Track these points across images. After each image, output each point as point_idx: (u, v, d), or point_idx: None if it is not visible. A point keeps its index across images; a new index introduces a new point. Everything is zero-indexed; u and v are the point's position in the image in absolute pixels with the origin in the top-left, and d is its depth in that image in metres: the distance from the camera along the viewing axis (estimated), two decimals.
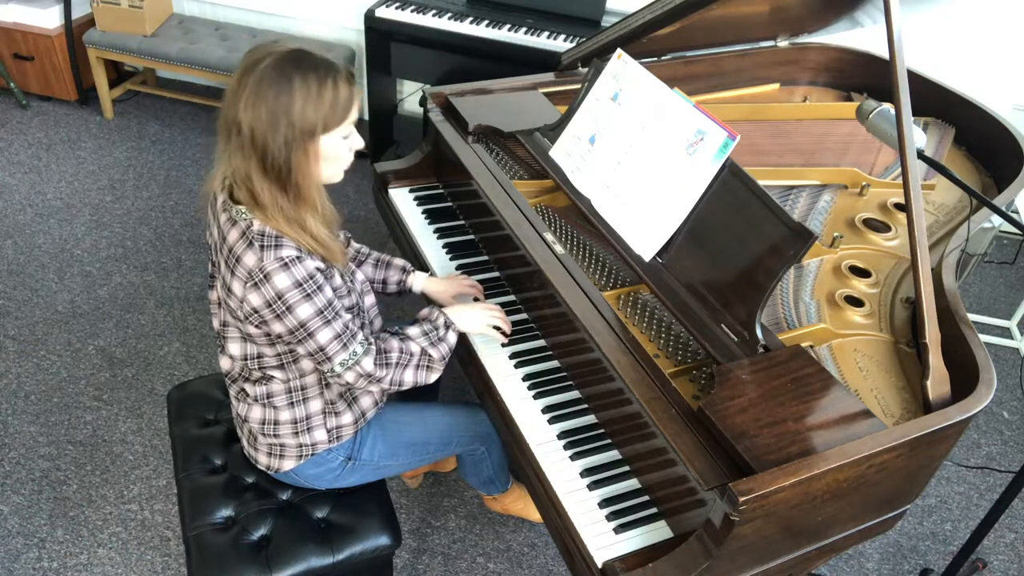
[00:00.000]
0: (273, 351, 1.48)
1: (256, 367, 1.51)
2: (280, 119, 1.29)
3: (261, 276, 1.34)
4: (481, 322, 1.66)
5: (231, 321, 1.47)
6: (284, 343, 1.44)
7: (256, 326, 1.41)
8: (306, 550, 1.58)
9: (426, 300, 1.84)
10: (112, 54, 3.63)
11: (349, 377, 1.47)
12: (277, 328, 1.39)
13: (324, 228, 1.43)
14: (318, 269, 1.39)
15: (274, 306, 1.35)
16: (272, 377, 1.52)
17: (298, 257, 1.36)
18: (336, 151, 1.39)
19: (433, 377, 1.58)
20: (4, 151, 3.55)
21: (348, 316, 1.46)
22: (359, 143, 1.44)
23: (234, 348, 1.51)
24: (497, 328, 1.68)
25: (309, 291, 1.37)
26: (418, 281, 1.82)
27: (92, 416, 2.43)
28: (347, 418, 1.60)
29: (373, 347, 1.49)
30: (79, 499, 2.21)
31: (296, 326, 1.38)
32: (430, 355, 1.56)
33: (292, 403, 1.55)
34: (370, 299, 1.64)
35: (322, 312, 1.39)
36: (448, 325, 1.61)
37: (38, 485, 2.23)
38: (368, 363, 1.47)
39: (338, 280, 1.48)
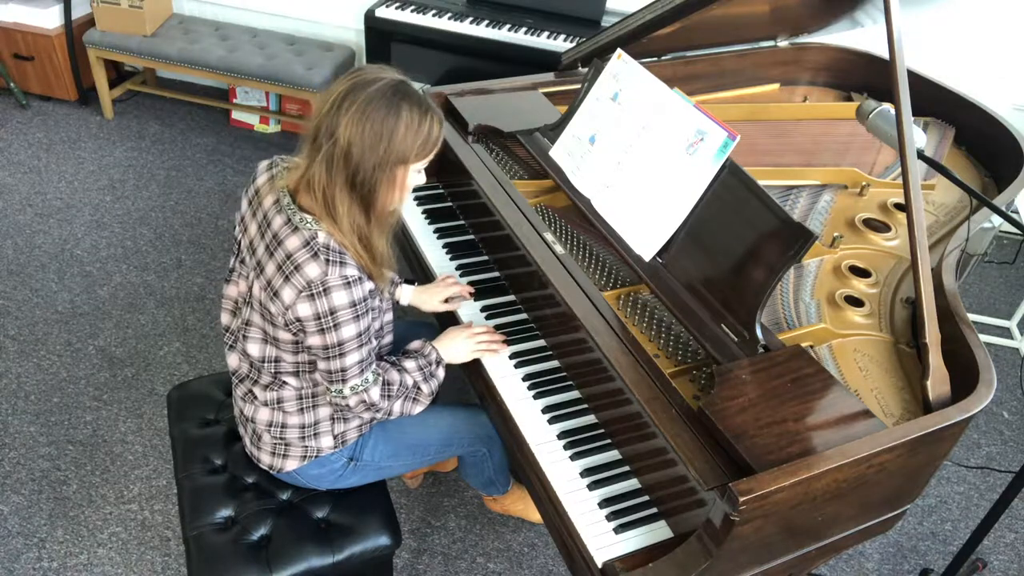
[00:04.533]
0: (293, 358, 1.49)
1: (271, 371, 1.52)
2: (382, 141, 1.33)
3: (321, 289, 1.34)
4: (467, 351, 1.68)
5: (258, 322, 1.48)
6: (310, 354, 1.45)
7: (293, 333, 1.42)
8: (306, 550, 1.58)
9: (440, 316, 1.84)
10: (112, 54, 3.62)
11: (352, 401, 1.49)
12: (313, 341, 1.40)
13: (388, 248, 1.47)
14: (370, 291, 1.42)
15: (323, 320, 1.36)
16: (285, 383, 1.53)
17: (360, 278, 1.38)
18: (408, 182, 1.44)
19: (417, 410, 1.61)
20: (4, 151, 3.55)
21: (374, 343, 1.49)
22: (422, 180, 1.48)
23: (253, 348, 1.51)
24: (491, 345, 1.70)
25: (359, 313, 1.39)
26: (405, 294, 1.83)
27: (92, 416, 2.43)
28: (353, 424, 1.61)
29: (381, 378, 1.52)
30: (79, 499, 2.21)
31: (334, 344, 1.39)
32: (420, 389, 1.60)
33: (302, 409, 1.55)
34: (389, 316, 1.67)
35: (360, 336, 1.41)
36: (439, 361, 1.64)
37: (38, 485, 2.23)
38: (375, 393, 1.50)
39: (376, 301, 1.50)
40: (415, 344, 1.67)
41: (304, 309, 1.36)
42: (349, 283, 1.36)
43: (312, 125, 1.38)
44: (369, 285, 1.42)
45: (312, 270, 1.35)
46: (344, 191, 1.36)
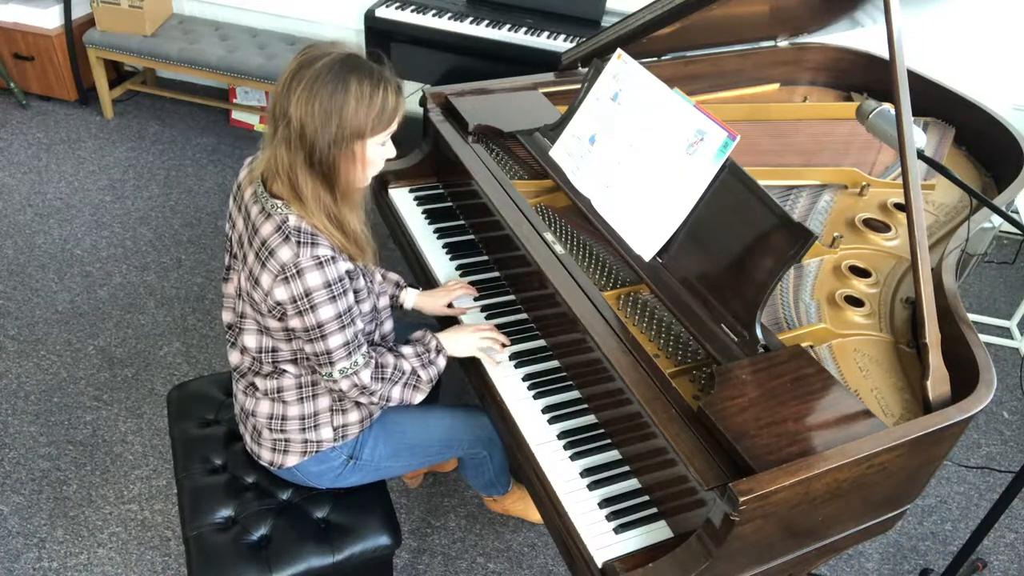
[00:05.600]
0: (289, 346, 1.49)
1: (270, 360, 1.52)
2: (332, 117, 1.32)
3: (294, 271, 1.35)
4: (471, 346, 1.67)
5: (250, 313, 1.48)
6: (295, 336, 1.46)
7: (278, 319, 1.42)
8: (306, 550, 1.58)
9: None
10: (112, 54, 3.63)
11: (344, 385, 1.48)
12: (294, 324, 1.40)
13: (362, 226, 1.46)
14: (347, 272, 1.41)
15: (299, 302, 1.37)
16: (284, 371, 1.53)
17: (332, 257, 1.38)
18: (372, 156, 1.42)
19: (418, 398, 1.60)
20: (4, 151, 3.55)
21: (360, 325, 1.48)
22: (391, 153, 1.46)
23: (250, 340, 1.51)
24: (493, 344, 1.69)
25: (335, 293, 1.38)
26: (409, 298, 1.83)
27: (92, 416, 2.43)
28: (353, 416, 1.61)
29: (373, 360, 1.51)
30: (79, 499, 2.21)
31: (314, 325, 1.39)
32: (419, 376, 1.58)
33: (302, 399, 1.56)
34: (384, 301, 1.66)
35: (340, 317, 1.40)
36: (439, 350, 1.63)
37: (38, 485, 2.23)
38: (366, 375, 1.49)
39: (361, 282, 1.49)
40: (417, 333, 1.67)
41: (281, 293, 1.36)
42: (321, 263, 1.36)
43: (270, 107, 1.38)
44: (346, 265, 1.41)
45: (284, 253, 1.35)
46: (305, 171, 1.36)
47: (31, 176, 3.41)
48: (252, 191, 1.44)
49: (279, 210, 1.39)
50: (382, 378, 1.52)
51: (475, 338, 1.67)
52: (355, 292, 1.46)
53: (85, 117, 3.84)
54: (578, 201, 1.74)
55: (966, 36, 3.14)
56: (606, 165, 1.71)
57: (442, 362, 1.63)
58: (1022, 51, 3.16)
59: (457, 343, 1.66)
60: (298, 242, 1.36)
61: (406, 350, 1.60)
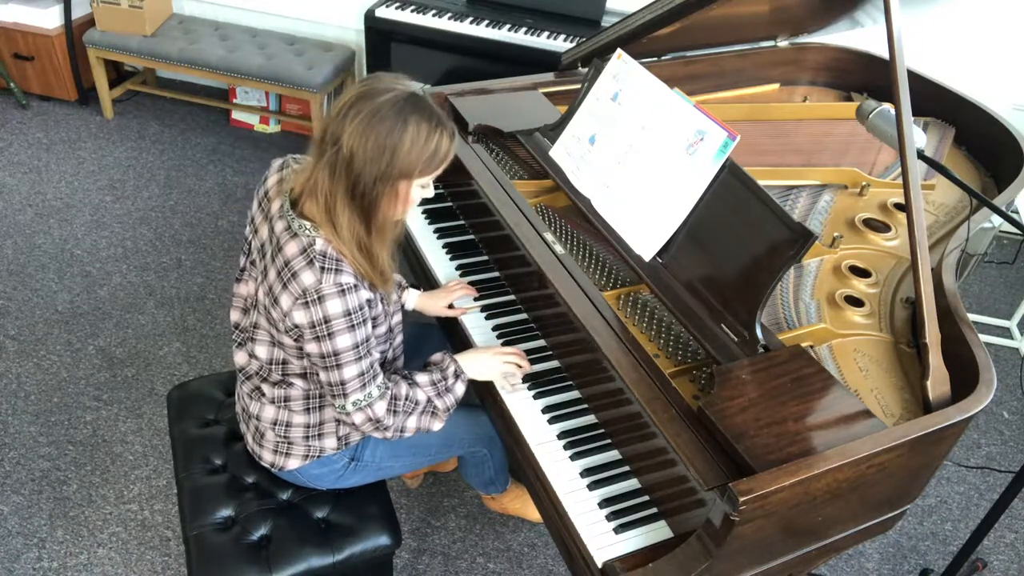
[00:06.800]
0: (299, 362, 1.48)
1: (279, 372, 1.51)
2: (385, 154, 1.31)
3: (315, 297, 1.33)
4: (493, 370, 1.63)
5: (264, 325, 1.47)
6: (310, 362, 1.44)
7: (294, 340, 1.41)
8: (306, 550, 1.58)
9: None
10: (112, 54, 3.63)
11: (357, 418, 1.45)
12: (310, 348, 1.39)
13: (390, 259, 1.45)
14: (368, 300, 1.40)
15: (317, 328, 1.35)
16: (292, 383, 1.52)
17: (355, 285, 1.36)
18: (413, 196, 1.41)
19: (437, 425, 1.56)
20: (4, 151, 3.55)
21: (376, 355, 1.45)
22: (430, 194, 1.46)
23: (261, 350, 1.50)
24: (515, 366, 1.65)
25: (355, 322, 1.37)
26: (411, 298, 1.82)
27: (92, 416, 2.43)
28: None
29: (389, 392, 1.47)
30: (79, 499, 2.21)
31: (330, 353, 1.37)
32: (435, 405, 1.55)
33: (308, 408, 1.55)
34: (397, 318, 1.64)
35: (357, 347, 1.39)
36: (458, 375, 1.59)
37: (38, 485, 2.23)
38: (380, 408, 1.46)
39: (379, 308, 1.48)
40: (435, 356, 1.63)
41: (300, 316, 1.35)
42: (344, 291, 1.34)
43: (320, 127, 1.36)
44: (367, 294, 1.39)
45: (307, 278, 1.33)
46: (345, 200, 1.34)
47: (31, 176, 3.41)
48: (280, 204, 1.42)
49: (307, 231, 1.37)
50: (395, 411, 1.49)
51: (497, 362, 1.63)
52: (373, 319, 1.44)
53: (85, 117, 3.84)
54: (578, 201, 1.74)
55: (966, 36, 3.14)
56: (606, 165, 1.71)
57: (460, 389, 1.58)
58: (1022, 51, 3.16)
59: (478, 367, 1.62)
60: (322, 268, 1.34)
61: (421, 378, 1.55)
